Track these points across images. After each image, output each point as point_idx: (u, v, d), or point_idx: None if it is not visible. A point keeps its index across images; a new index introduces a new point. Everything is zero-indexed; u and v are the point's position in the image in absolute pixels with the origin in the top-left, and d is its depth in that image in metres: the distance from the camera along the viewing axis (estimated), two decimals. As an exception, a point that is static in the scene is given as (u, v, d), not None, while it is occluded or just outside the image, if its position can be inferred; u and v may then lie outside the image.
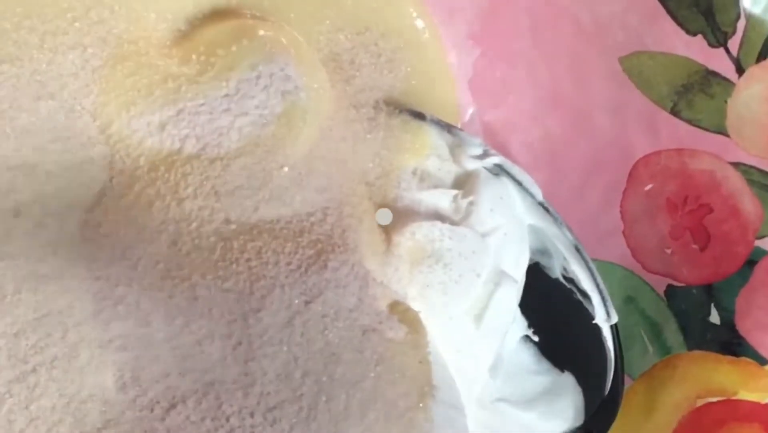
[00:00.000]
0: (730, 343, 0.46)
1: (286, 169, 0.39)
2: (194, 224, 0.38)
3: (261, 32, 0.40)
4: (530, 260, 0.45)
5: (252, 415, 0.36)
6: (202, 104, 0.38)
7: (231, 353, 0.37)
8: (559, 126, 0.47)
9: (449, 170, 0.44)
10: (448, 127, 0.44)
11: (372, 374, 0.38)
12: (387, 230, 0.42)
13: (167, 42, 0.40)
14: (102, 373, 0.36)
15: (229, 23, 0.40)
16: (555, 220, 0.45)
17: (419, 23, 0.46)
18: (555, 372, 0.45)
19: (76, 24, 0.38)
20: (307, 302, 0.38)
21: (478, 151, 0.44)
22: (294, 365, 0.37)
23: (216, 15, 0.41)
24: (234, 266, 0.37)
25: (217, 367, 0.37)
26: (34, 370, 0.35)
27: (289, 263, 0.38)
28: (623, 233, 0.47)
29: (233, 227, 0.38)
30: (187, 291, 0.37)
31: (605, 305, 0.45)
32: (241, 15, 0.41)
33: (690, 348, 0.47)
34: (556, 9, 0.46)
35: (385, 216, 0.42)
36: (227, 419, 0.36)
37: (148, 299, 0.37)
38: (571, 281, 0.45)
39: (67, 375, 0.35)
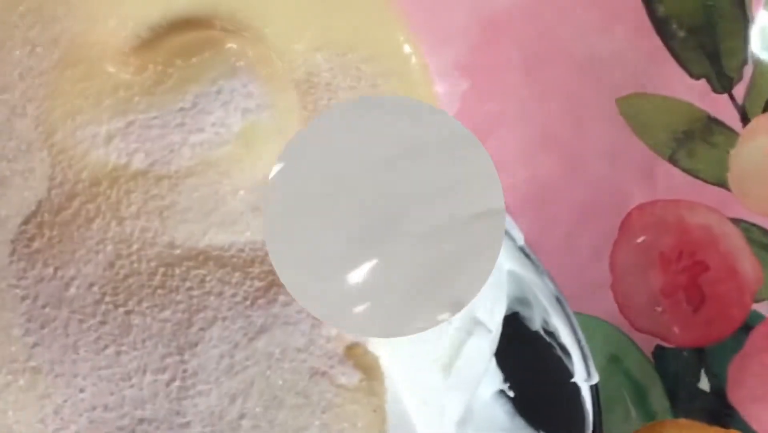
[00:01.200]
0: (720, 413, 0.45)
1: (242, 192, 0.37)
2: (135, 246, 0.36)
3: (227, 45, 0.38)
4: (509, 309, 0.43)
5: (182, 459, 0.35)
6: (155, 117, 0.37)
7: (163, 389, 0.35)
8: (549, 168, 0.46)
9: (422, 207, 0.42)
10: (423, 162, 0.42)
11: (317, 422, 0.36)
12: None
13: (125, 49, 0.38)
14: (19, 402, 0.34)
15: (195, 34, 0.38)
16: (536, 267, 0.43)
17: (406, 49, 0.44)
18: (529, 431, 0.43)
19: (28, 18, 0.36)
20: (250, 339, 0.36)
21: (455, 188, 0.42)
22: (231, 407, 0.35)
23: (183, 25, 0.39)
24: (174, 294, 0.36)
25: (147, 403, 0.35)
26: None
27: (234, 295, 0.36)
28: (611, 286, 0.46)
29: (177, 251, 0.36)
30: (121, 318, 0.35)
31: (586, 364, 0.43)
32: (211, 27, 0.39)
33: (676, 415, 0.46)
34: (552, 43, 0.45)
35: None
36: (154, 462, 0.34)
37: (77, 324, 0.35)
38: (551, 334, 0.43)
39: (-22, 403, 0.33)
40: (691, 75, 0.44)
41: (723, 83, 0.44)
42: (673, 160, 0.45)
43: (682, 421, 0.45)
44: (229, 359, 0.35)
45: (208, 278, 0.36)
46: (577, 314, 0.43)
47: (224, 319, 0.36)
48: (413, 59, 0.44)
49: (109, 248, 0.36)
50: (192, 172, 0.36)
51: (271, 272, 0.37)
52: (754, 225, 0.45)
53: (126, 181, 0.36)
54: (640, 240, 0.46)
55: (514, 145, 0.46)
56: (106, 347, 0.35)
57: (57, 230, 0.36)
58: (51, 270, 0.35)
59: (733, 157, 0.44)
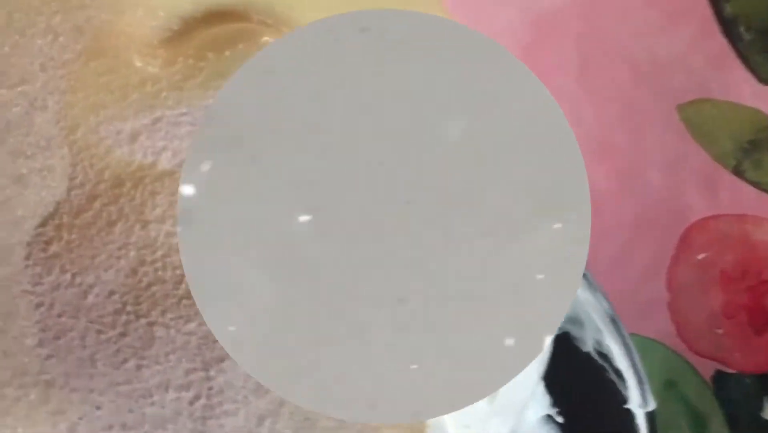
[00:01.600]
0: (785, 444, 0.44)
1: (275, 196, 0.35)
2: (159, 252, 0.34)
3: (263, 38, 0.37)
4: (559, 328, 0.40)
5: (206, 485, 0.34)
6: (184, 113, 0.35)
7: (187, 408, 0.34)
8: (604, 178, 0.45)
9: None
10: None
11: (352, 447, 0.35)
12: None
13: (153, 41, 0.37)
14: (30, 417, 0.33)
15: (229, 26, 0.37)
16: (590, 285, 0.42)
17: (453, 48, 0.43)
18: (578, 460, 0.43)
19: (51, 4, 0.36)
20: (282, 355, 0.34)
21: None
22: (259, 429, 0.34)
23: (217, 17, 0.38)
24: (200, 305, 0.34)
25: (168, 423, 0.34)
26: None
27: (265, 306, 0.34)
28: (668, 305, 0.45)
29: (205, 258, 0.35)
30: (143, 330, 0.34)
31: (642, 389, 0.42)
32: (248, 19, 0.38)
33: (737, 446, 0.45)
34: (610, 45, 0.45)
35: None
36: (176, 487, 0.34)
37: (95, 335, 0.34)
38: (604, 356, 0.42)
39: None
40: (760, 80, 0.43)
41: (794, 89, 0.44)
42: (738, 172, 0.44)
43: (744, 453, 0.44)
44: (258, 377, 0.35)
45: (238, 288, 0.35)
46: (631, 334, 0.42)
47: (254, 333, 0.34)
48: (460, 59, 0.44)
49: (132, 253, 0.34)
50: (222, 174, 0.35)
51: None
52: (824, 243, 0.44)
53: (151, 181, 0.35)
54: (700, 257, 0.45)
55: (566, 153, 0.45)
56: (125, 360, 0.34)
57: (76, 233, 0.35)
58: (68, 276, 0.34)
59: (804, 170, 0.44)
